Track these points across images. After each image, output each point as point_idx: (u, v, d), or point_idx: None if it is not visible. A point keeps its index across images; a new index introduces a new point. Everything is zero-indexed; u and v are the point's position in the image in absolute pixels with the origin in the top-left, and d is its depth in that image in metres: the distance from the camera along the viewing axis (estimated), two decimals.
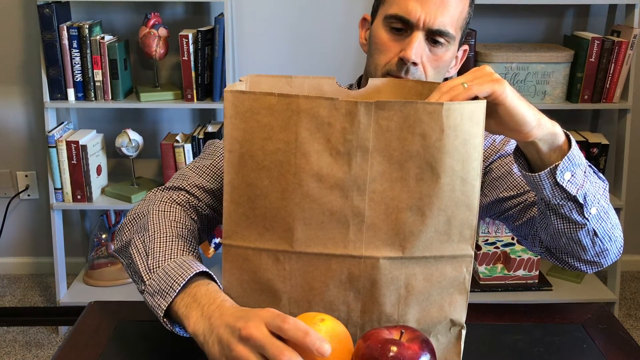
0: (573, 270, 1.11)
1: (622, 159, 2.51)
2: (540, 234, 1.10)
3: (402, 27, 1.13)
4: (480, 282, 2.56)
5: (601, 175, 1.06)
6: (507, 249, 2.53)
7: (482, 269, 2.55)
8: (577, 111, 2.67)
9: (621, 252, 1.11)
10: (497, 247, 2.53)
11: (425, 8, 1.10)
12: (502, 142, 1.20)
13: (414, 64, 1.12)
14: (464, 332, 0.91)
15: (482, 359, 0.99)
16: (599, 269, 1.11)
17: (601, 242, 1.05)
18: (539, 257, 2.48)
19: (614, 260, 1.11)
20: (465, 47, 1.24)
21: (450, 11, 1.12)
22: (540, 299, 2.54)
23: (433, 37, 1.12)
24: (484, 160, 1.18)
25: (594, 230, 1.03)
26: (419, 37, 1.11)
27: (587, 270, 1.11)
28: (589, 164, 1.02)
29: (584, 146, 2.47)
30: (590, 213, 1.00)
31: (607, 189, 1.06)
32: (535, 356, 1.00)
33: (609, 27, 2.58)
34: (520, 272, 2.55)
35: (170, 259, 0.96)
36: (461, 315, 0.90)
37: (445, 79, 1.00)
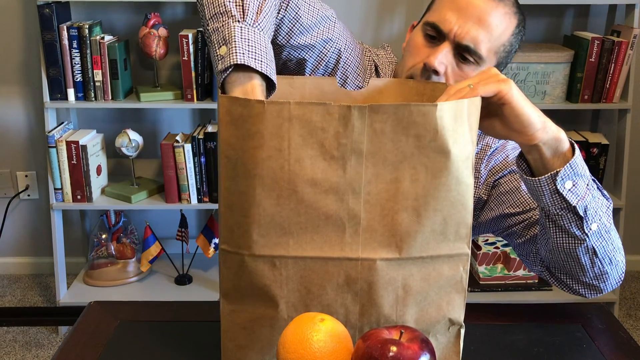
0: (573, 294, 1.10)
1: (622, 159, 2.51)
2: (541, 250, 1.09)
3: (436, 35, 1.12)
4: (480, 282, 2.56)
5: (605, 193, 1.04)
6: (507, 249, 2.53)
7: (482, 269, 2.55)
8: (577, 111, 2.67)
9: (622, 278, 1.08)
10: (497, 247, 2.53)
11: (460, 21, 1.09)
12: (514, 159, 1.18)
13: (436, 72, 1.10)
14: (462, 331, 0.91)
15: (481, 358, 0.99)
16: (599, 294, 1.08)
17: (601, 263, 1.03)
18: None
19: (614, 287, 1.08)
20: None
21: (487, 31, 1.09)
22: (540, 299, 2.54)
23: (462, 52, 1.10)
24: (494, 174, 1.18)
25: (593, 248, 1.01)
26: (445, 48, 1.10)
27: (587, 295, 1.09)
28: (594, 178, 1.00)
29: (584, 146, 2.47)
30: (590, 228, 0.99)
31: (611, 208, 1.03)
32: (535, 356, 1.00)
33: (609, 27, 2.58)
34: (520, 272, 2.55)
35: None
36: (459, 314, 0.90)
37: None
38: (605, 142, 2.50)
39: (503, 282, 2.56)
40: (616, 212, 2.51)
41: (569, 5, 2.57)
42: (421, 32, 1.15)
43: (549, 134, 0.92)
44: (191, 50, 2.32)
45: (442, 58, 1.10)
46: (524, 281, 2.56)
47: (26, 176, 2.74)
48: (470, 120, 0.84)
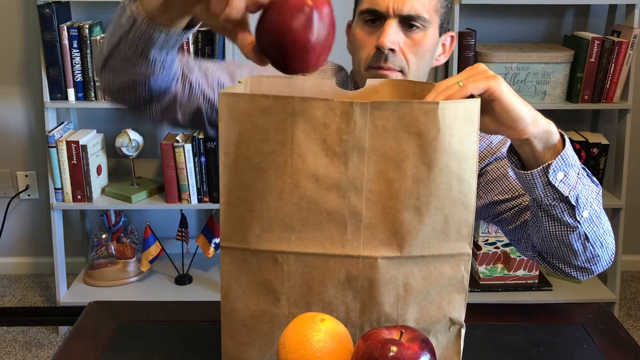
0: (565, 276, 1.11)
1: (622, 159, 2.51)
2: (533, 237, 1.10)
3: (375, 19, 1.15)
4: (480, 282, 2.56)
5: (595, 179, 1.06)
6: (507, 249, 2.53)
7: (482, 269, 2.55)
8: (577, 111, 2.67)
9: (612, 259, 1.10)
10: (497, 247, 2.53)
11: None
12: (498, 144, 1.20)
13: (392, 50, 1.13)
14: (463, 330, 0.91)
15: (482, 359, 0.99)
16: (590, 276, 1.10)
17: (592, 247, 1.05)
18: None
19: (604, 268, 1.10)
20: (452, 33, 1.24)
21: None
22: (540, 299, 2.54)
23: (407, 22, 1.14)
24: (479, 162, 1.19)
25: (585, 234, 1.02)
26: (391, 25, 1.13)
27: (578, 277, 1.11)
28: (583, 166, 1.02)
29: (584, 146, 2.47)
30: (582, 216, 1.00)
31: (600, 193, 1.05)
32: (535, 356, 1.00)
33: (609, 27, 2.58)
34: (520, 272, 2.55)
35: None
36: (460, 314, 0.90)
37: (436, 69, 1.00)
38: (605, 142, 2.50)
39: (503, 282, 2.56)
40: (616, 212, 2.51)
41: (569, 5, 2.57)
42: (360, 24, 1.18)
43: (540, 127, 0.93)
44: (191, 50, 2.32)
45: (393, 36, 1.13)
46: (524, 281, 2.56)
47: (26, 176, 2.74)
48: (472, 118, 0.84)
